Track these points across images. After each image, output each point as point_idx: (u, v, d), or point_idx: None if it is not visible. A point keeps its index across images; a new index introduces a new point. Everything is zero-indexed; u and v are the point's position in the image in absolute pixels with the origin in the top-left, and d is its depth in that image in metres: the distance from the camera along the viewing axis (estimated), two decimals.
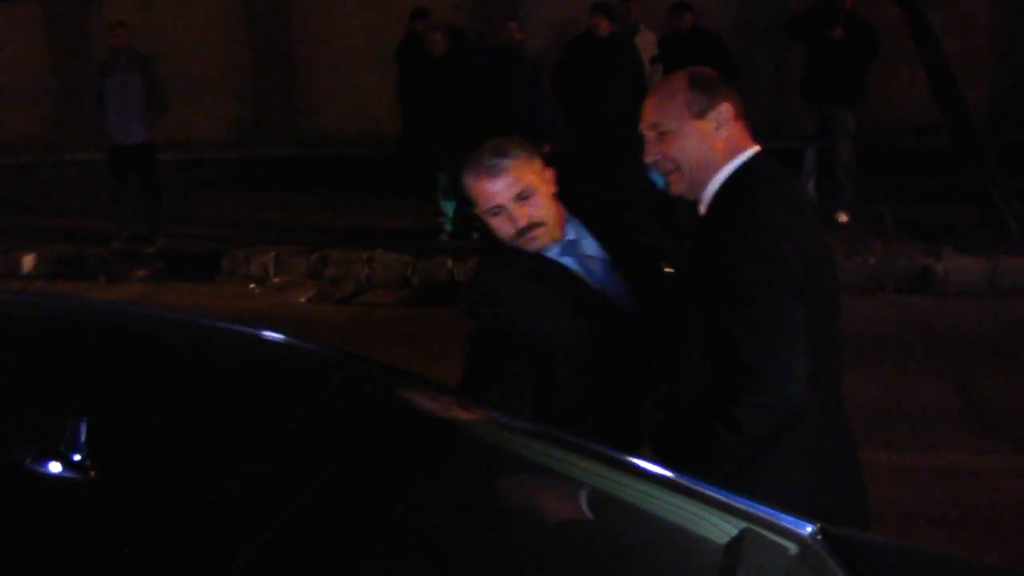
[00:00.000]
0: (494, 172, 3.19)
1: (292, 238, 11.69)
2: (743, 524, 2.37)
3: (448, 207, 11.47)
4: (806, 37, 11.04)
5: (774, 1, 13.90)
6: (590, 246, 3.33)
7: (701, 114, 2.98)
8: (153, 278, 11.40)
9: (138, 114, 11.73)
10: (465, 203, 11.64)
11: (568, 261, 3.31)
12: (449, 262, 10.65)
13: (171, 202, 12.42)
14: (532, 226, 3.21)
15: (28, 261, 11.84)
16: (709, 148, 2.98)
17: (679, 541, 2.42)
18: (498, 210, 3.21)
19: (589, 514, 2.46)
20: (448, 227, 11.45)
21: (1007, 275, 9.49)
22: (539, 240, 3.24)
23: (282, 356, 2.57)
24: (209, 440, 2.08)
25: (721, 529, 2.38)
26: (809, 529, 2.43)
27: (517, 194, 3.18)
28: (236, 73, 15.94)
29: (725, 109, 2.99)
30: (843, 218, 10.76)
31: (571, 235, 3.32)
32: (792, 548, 2.37)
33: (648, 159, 3.04)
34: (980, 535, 5.13)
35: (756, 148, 3.03)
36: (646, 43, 11.71)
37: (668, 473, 2.54)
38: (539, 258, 3.30)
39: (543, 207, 3.22)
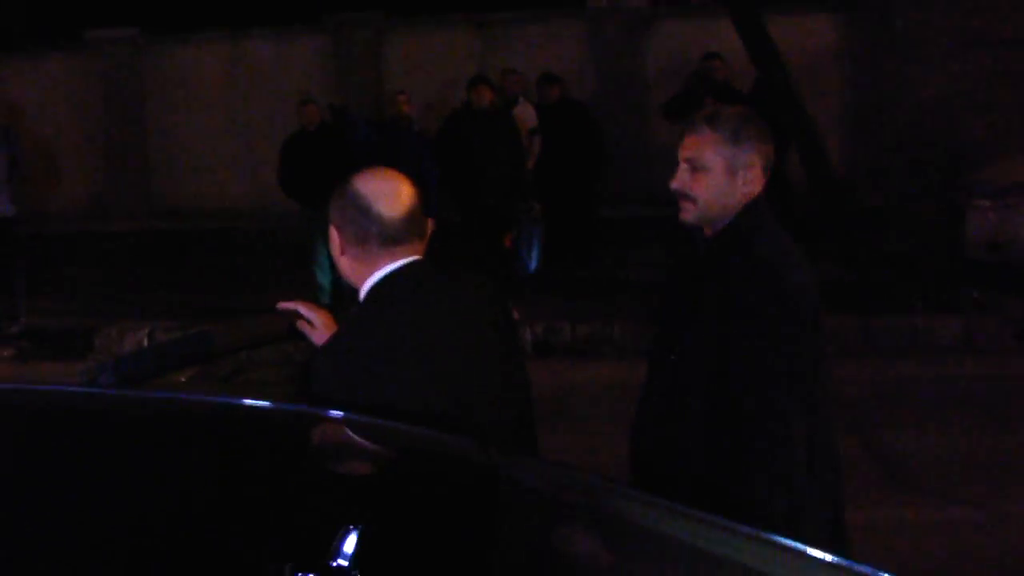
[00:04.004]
0: (691, 128, 3.23)
1: (164, 314, 11.43)
2: None
3: (325, 280, 11.42)
4: (683, 115, 11.33)
5: (636, 75, 14.34)
6: None
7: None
8: (19, 358, 11.00)
9: (1, 188, 11.34)
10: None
11: None
12: None
13: (31, 278, 12.02)
14: (682, 194, 3.22)
15: None
16: None
17: None
18: (678, 161, 3.24)
19: None
20: (326, 301, 11.37)
21: (877, 331, 9.94)
22: (686, 213, 3.24)
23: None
24: None
25: None
26: None
27: (690, 158, 3.20)
28: (90, 146, 15.60)
29: None
30: None
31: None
32: None
33: None
34: None
35: None
36: (526, 115, 11.89)
37: None
38: None
39: (705, 189, 3.19)
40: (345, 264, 2.97)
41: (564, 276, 11.93)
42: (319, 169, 11.23)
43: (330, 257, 11.09)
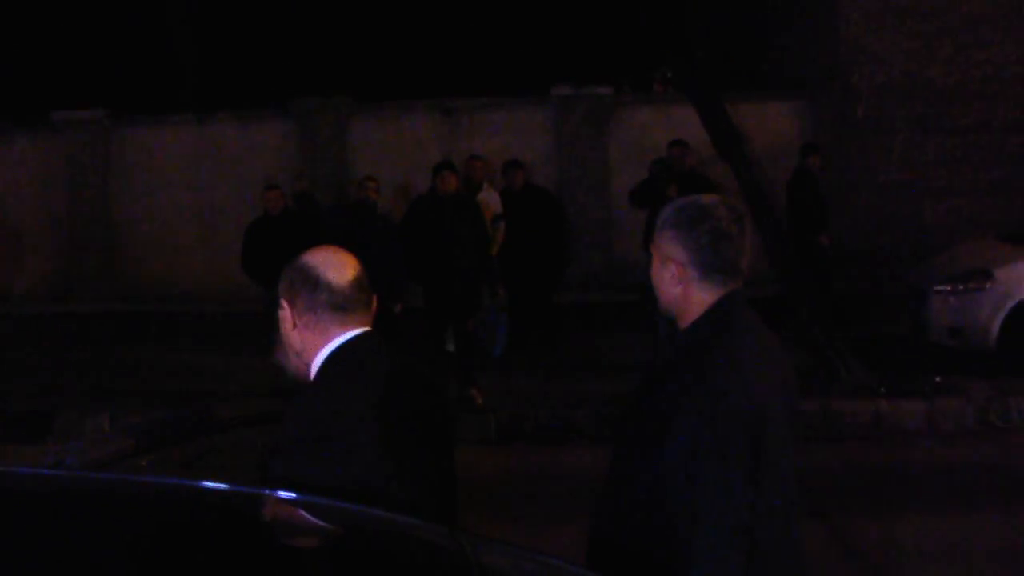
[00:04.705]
0: None
1: (125, 396, 11.33)
2: None
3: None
4: (648, 201, 11.44)
5: (600, 162, 14.48)
6: None
7: None
8: None
9: None
10: None
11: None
12: None
13: None
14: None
15: None
16: None
17: None
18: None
19: None
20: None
21: (840, 417, 9.94)
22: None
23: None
24: None
25: None
26: None
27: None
28: (55, 226, 15.56)
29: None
30: None
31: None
32: None
33: None
34: None
35: None
36: (490, 201, 11.95)
37: None
38: None
39: (658, 280, 3.00)
40: (296, 337, 3.03)
41: (528, 361, 11.92)
42: (282, 254, 11.15)
43: None
